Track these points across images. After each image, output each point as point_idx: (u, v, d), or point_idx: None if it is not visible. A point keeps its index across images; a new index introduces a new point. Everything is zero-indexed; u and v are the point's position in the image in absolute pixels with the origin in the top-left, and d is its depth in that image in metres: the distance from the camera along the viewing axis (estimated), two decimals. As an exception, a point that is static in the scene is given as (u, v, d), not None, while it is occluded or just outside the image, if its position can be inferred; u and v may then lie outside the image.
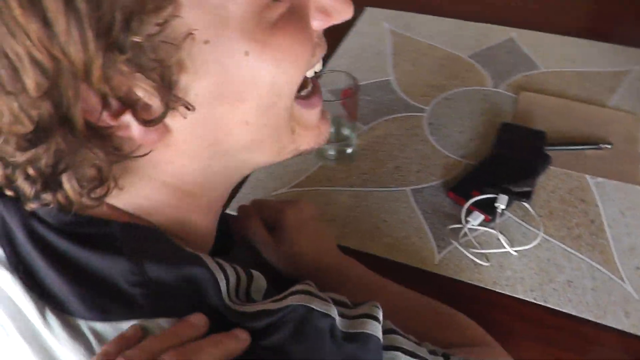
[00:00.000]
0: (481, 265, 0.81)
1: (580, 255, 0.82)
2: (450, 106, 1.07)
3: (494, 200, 0.85)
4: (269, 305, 0.42)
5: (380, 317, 0.47)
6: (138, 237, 0.43)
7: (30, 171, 0.38)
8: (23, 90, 0.34)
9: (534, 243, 0.82)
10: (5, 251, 0.44)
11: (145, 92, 0.37)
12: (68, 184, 0.39)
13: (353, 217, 0.88)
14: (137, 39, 0.34)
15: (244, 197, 0.90)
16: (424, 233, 0.85)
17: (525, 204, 0.87)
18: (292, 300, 0.43)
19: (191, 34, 0.37)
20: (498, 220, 0.85)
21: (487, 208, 0.85)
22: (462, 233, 0.84)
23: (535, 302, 0.77)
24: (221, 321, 0.41)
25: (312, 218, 0.77)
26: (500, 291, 0.78)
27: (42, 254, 0.42)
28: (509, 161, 0.92)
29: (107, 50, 0.34)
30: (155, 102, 0.38)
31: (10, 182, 0.40)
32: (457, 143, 0.99)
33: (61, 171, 0.38)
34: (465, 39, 1.24)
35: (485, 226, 0.85)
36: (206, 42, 0.38)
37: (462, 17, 1.31)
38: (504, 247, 0.82)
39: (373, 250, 0.84)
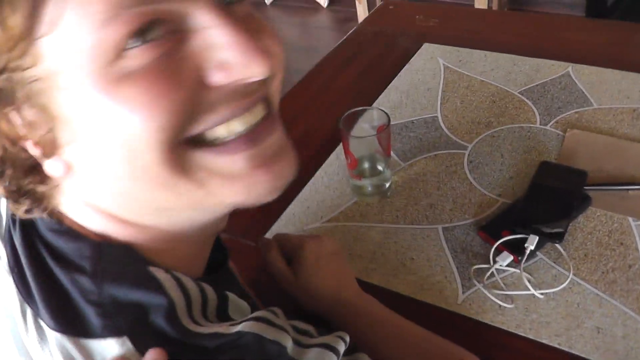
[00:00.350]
0: (505, 307, 0.79)
1: (612, 301, 0.78)
2: (494, 144, 1.06)
3: (524, 240, 0.83)
4: (224, 329, 0.45)
5: (341, 349, 0.48)
6: (105, 256, 0.46)
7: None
8: None
9: (562, 286, 0.80)
10: (7, 252, 0.50)
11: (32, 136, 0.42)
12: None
13: (380, 253, 0.89)
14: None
15: (278, 231, 0.93)
16: (450, 272, 0.85)
17: (558, 246, 0.85)
18: (245, 327, 0.45)
19: (52, 76, 0.39)
20: (528, 261, 0.83)
21: (517, 248, 0.83)
22: (488, 273, 0.83)
23: (559, 347, 0.75)
24: (169, 342, 0.43)
25: (332, 253, 0.79)
26: (523, 335, 0.76)
27: (29, 258, 0.47)
28: (544, 201, 0.89)
29: None
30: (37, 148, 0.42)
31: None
32: (496, 181, 0.98)
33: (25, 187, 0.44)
34: (519, 74, 1.23)
35: (513, 267, 0.83)
36: (65, 88, 0.40)
37: (519, 52, 1.30)
38: (530, 290, 0.80)
39: (396, 287, 0.84)
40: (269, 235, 0.93)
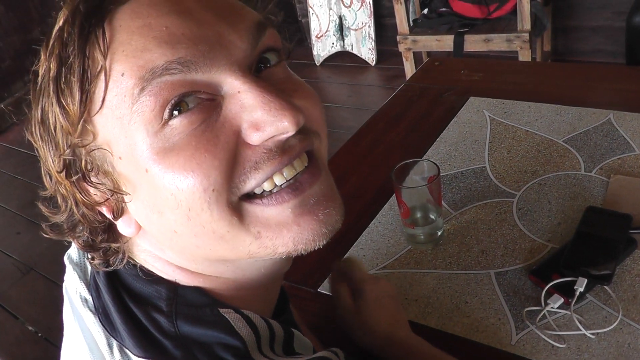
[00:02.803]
0: (558, 347, 0.83)
1: (663, 340, 0.81)
2: (541, 191, 1.11)
3: (573, 283, 0.87)
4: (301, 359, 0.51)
5: None
6: (180, 297, 0.53)
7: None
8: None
9: (612, 326, 0.83)
10: (92, 297, 0.58)
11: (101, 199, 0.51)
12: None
13: (435, 298, 0.94)
14: (70, 153, 0.48)
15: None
16: (503, 314, 0.89)
17: (606, 288, 0.88)
18: (316, 355, 0.51)
19: (109, 150, 0.48)
20: (578, 303, 0.87)
21: (567, 291, 0.87)
22: (540, 315, 0.87)
23: (612, 386, 0.78)
24: None
25: (389, 295, 0.86)
26: (576, 374, 0.80)
27: (112, 300, 0.54)
28: (591, 245, 0.94)
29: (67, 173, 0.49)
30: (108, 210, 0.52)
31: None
32: (544, 227, 1.02)
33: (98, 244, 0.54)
34: (562, 123, 1.28)
35: (564, 309, 0.87)
36: (120, 157, 0.48)
37: (562, 102, 1.35)
38: (581, 330, 0.83)
39: (452, 329, 0.89)
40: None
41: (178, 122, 0.46)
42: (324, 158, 0.55)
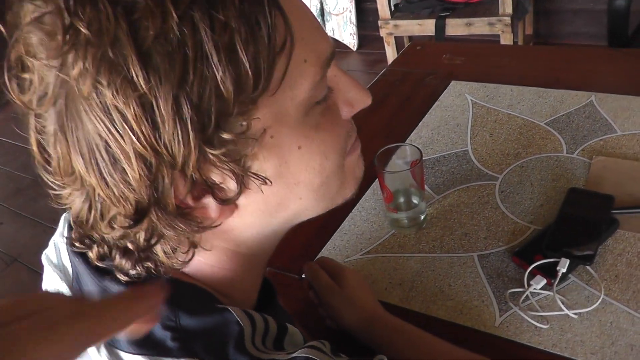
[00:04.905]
0: (541, 328, 0.83)
1: (644, 319, 0.82)
2: (523, 173, 1.11)
3: (556, 264, 0.88)
4: (282, 356, 0.50)
5: None
6: (179, 291, 0.52)
7: (129, 246, 0.49)
8: (124, 180, 0.43)
9: (594, 306, 0.84)
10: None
11: (223, 177, 0.47)
12: (161, 252, 0.50)
13: (419, 281, 0.94)
14: (226, 136, 0.43)
15: (321, 264, 0.99)
16: (486, 296, 0.89)
17: (588, 268, 0.89)
18: (300, 352, 0.50)
19: (265, 130, 0.47)
20: (560, 283, 0.87)
21: (550, 272, 0.88)
22: (524, 296, 0.87)
23: (595, 365, 0.79)
24: None
25: (364, 279, 0.90)
26: (559, 353, 0.80)
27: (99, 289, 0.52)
28: (573, 225, 0.94)
29: (202, 145, 0.43)
30: (231, 185, 0.47)
31: (102, 259, 0.51)
32: (527, 209, 1.03)
33: (154, 243, 0.48)
34: (544, 106, 1.28)
35: (547, 289, 0.87)
36: (272, 136, 0.48)
37: (543, 84, 1.35)
38: (564, 310, 0.84)
39: (435, 313, 0.89)
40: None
41: (318, 106, 0.51)
42: None
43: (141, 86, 0.39)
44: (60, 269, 0.59)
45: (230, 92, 0.41)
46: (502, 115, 1.29)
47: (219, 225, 0.50)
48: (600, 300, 0.84)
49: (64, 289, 0.57)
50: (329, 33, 3.85)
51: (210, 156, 0.44)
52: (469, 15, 2.83)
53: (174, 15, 0.39)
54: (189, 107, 0.41)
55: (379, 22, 3.07)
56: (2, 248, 2.72)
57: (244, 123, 0.44)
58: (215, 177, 0.46)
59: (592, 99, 1.26)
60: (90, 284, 0.54)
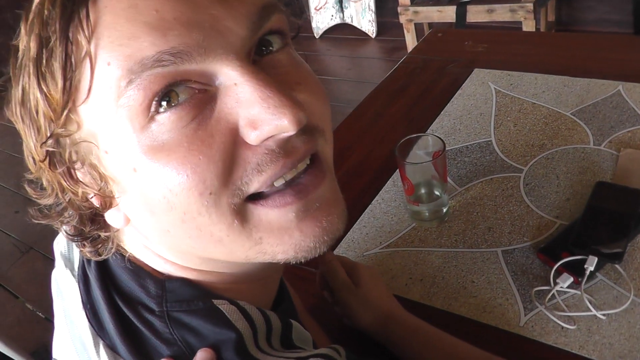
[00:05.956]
0: (568, 328, 0.80)
1: (677, 320, 0.79)
2: (549, 166, 1.07)
3: (583, 261, 0.84)
4: (293, 355, 0.48)
5: None
6: (170, 294, 0.49)
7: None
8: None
9: (624, 307, 0.80)
10: (80, 290, 0.54)
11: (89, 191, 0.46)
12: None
13: (441, 277, 0.91)
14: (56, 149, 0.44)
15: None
16: (511, 294, 0.86)
17: (617, 266, 0.85)
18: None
19: (91, 142, 0.44)
20: (588, 282, 0.84)
21: (577, 270, 0.84)
22: (549, 295, 0.84)
23: (624, 368, 0.75)
24: None
25: (379, 276, 0.87)
26: (587, 356, 0.77)
27: (103, 296, 0.51)
28: (601, 222, 0.90)
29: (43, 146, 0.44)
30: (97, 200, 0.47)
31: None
32: (552, 203, 0.99)
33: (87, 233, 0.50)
34: (570, 95, 1.24)
35: (574, 288, 0.84)
36: (106, 152, 0.44)
37: (569, 73, 1.31)
38: (592, 311, 0.80)
39: (458, 310, 0.86)
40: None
41: (166, 118, 0.41)
42: (329, 158, 0.51)
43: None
44: (66, 256, 0.59)
45: (41, 102, 0.43)
46: (526, 104, 1.25)
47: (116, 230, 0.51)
48: (630, 301, 0.81)
49: (68, 276, 0.57)
50: (347, 20, 3.81)
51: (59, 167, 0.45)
52: (490, 2, 2.77)
53: None
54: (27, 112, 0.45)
55: (399, 9, 3.02)
56: (18, 236, 2.73)
57: (68, 131, 0.44)
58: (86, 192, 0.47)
59: (620, 89, 1.22)
60: (95, 275, 0.53)
